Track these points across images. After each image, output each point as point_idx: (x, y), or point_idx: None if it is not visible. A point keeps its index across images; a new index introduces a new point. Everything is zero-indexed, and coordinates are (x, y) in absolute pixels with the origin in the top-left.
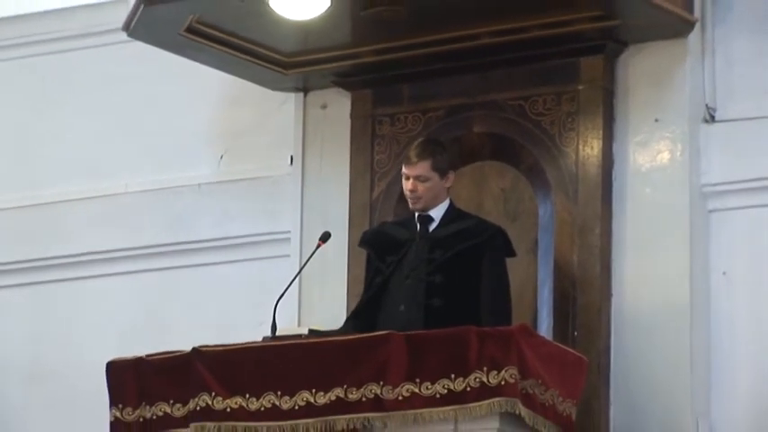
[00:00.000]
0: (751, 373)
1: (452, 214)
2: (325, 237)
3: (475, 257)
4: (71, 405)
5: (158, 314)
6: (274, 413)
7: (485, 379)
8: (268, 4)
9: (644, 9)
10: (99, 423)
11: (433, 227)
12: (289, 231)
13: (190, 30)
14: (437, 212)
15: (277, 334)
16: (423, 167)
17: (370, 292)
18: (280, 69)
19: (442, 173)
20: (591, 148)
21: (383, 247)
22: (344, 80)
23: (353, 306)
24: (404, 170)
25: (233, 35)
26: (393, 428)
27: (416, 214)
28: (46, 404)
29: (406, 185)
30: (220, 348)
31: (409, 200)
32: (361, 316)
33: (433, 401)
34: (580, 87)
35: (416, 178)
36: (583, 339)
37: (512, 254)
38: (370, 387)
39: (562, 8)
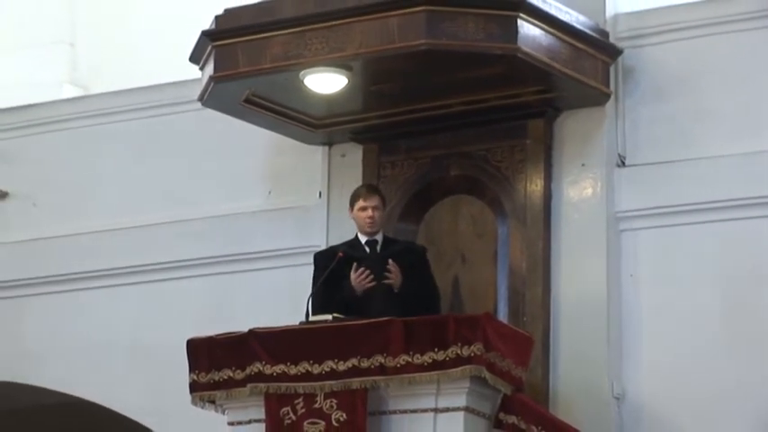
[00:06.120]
0: (651, 347)
1: (386, 239)
2: (343, 249)
3: (414, 267)
4: (160, 372)
5: (224, 305)
6: (307, 377)
7: (459, 352)
8: (303, 83)
9: (573, 85)
10: (181, 384)
11: (378, 248)
12: (318, 245)
13: (247, 100)
14: (378, 237)
15: (309, 319)
16: (377, 200)
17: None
18: (311, 129)
19: (384, 206)
20: (536, 186)
21: (351, 262)
22: (358, 136)
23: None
24: (362, 203)
25: (278, 104)
26: (393, 388)
27: (364, 240)
28: (141, 371)
29: (366, 213)
30: (269, 330)
31: (366, 225)
32: (346, 307)
33: (422, 368)
34: (528, 142)
35: (374, 208)
36: (530, 323)
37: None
38: (376, 358)
39: (514, 84)
